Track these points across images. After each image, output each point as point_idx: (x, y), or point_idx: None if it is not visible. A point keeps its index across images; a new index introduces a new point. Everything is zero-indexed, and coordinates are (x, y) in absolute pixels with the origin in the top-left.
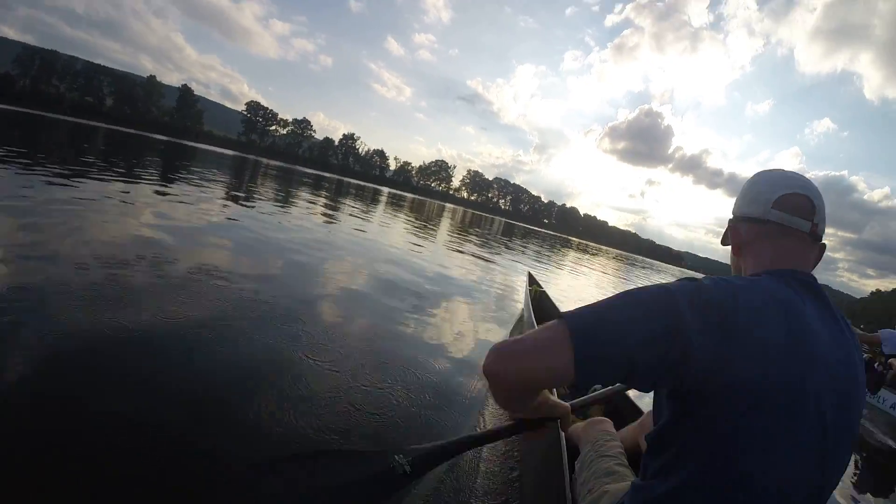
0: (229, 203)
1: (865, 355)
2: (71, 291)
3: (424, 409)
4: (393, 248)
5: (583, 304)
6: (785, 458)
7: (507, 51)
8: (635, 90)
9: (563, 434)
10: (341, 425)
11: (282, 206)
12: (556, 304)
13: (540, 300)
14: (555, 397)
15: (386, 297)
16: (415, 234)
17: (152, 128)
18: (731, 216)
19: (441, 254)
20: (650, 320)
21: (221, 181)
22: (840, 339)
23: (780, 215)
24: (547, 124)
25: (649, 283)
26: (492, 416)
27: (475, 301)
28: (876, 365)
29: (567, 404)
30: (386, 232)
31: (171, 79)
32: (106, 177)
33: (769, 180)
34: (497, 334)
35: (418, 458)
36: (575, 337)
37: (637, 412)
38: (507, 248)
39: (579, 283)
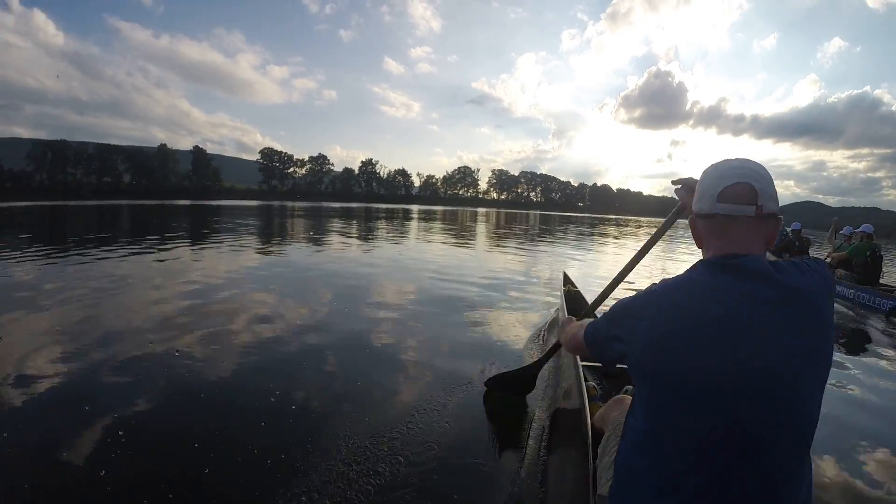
0: (265, 251)
1: None
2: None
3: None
4: (434, 263)
5: (595, 320)
6: (702, 430)
7: (505, 45)
8: (639, 54)
9: (588, 424)
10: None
11: (317, 244)
12: (589, 303)
13: (574, 300)
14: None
15: (437, 313)
16: (454, 246)
17: (172, 194)
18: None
19: (484, 259)
20: (614, 326)
21: (252, 232)
22: (767, 310)
23: (726, 207)
24: (560, 108)
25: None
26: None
27: (521, 302)
28: None
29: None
30: (424, 248)
31: (185, 143)
32: (142, 249)
33: (713, 175)
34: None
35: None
36: (586, 340)
37: None
38: (546, 240)
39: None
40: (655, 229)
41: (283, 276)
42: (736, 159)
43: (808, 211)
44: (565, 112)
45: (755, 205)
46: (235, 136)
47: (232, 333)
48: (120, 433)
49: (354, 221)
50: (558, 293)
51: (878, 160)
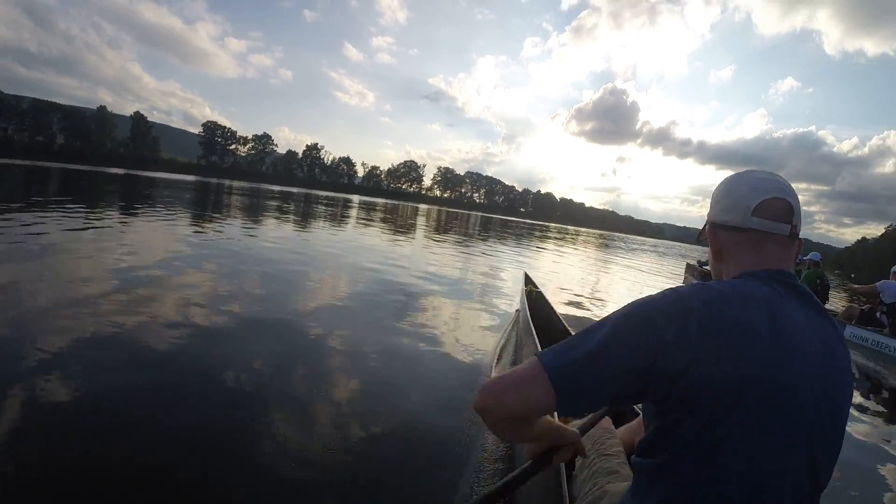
0: (194, 232)
1: (866, 306)
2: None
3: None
4: (372, 258)
5: (563, 341)
6: (772, 454)
7: (467, 44)
8: (598, 70)
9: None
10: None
11: (250, 228)
12: (552, 304)
13: (536, 300)
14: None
15: (374, 311)
16: (392, 242)
17: (107, 161)
18: (708, 221)
19: (421, 258)
20: (632, 357)
21: (182, 210)
22: (823, 332)
23: (761, 222)
24: (513, 114)
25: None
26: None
27: (463, 300)
28: (878, 314)
29: (575, 430)
30: (361, 241)
31: (132, 109)
32: (61, 221)
33: (747, 186)
34: (490, 338)
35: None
36: (553, 379)
37: (634, 412)
38: (487, 241)
39: (562, 268)
40: (599, 238)
41: (208, 263)
42: (765, 171)
43: None
44: (518, 118)
45: (791, 223)
46: (185, 107)
47: (162, 316)
48: (35, 416)
49: (292, 206)
50: (517, 294)
51: (813, 195)
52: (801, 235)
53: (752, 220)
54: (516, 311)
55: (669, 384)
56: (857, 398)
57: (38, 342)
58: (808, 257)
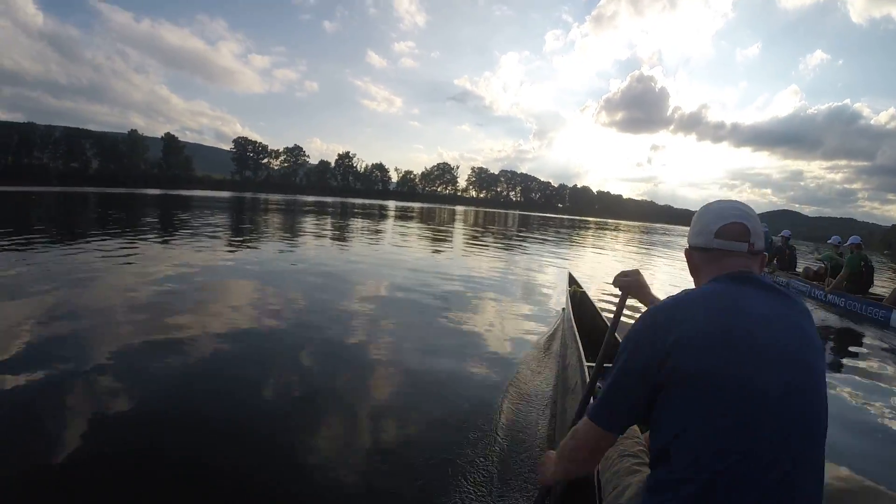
0: (232, 250)
1: None
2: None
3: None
4: (411, 268)
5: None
6: (740, 440)
7: (488, 43)
8: (622, 58)
9: None
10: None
11: (290, 242)
12: (596, 304)
13: (580, 301)
14: None
15: (417, 317)
16: (432, 249)
17: (141, 183)
18: (687, 246)
19: (462, 264)
20: (636, 384)
21: (220, 229)
22: (781, 307)
23: (722, 242)
24: (541, 108)
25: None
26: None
27: (507, 301)
28: None
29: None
30: (401, 250)
31: (164, 130)
32: (101, 247)
33: (711, 215)
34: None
35: None
36: (595, 417)
37: None
38: (527, 241)
39: (604, 264)
40: (639, 230)
41: (249, 278)
42: (728, 201)
43: (784, 219)
44: (547, 112)
45: (748, 242)
46: (215, 125)
47: (210, 329)
48: (103, 427)
49: (328, 219)
50: (563, 295)
51: (854, 172)
52: (845, 216)
53: (715, 241)
54: (562, 309)
55: (660, 374)
56: None
57: (95, 354)
58: (848, 242)
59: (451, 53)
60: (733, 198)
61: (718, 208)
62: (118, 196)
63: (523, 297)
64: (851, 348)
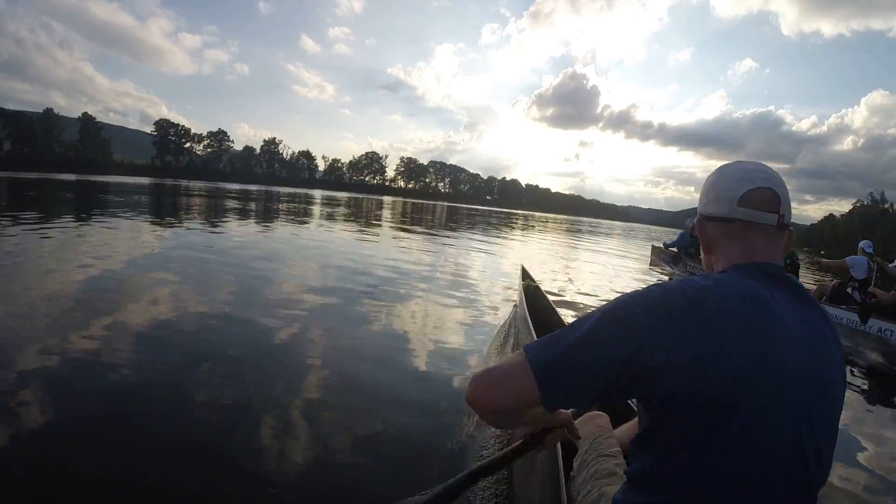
0: (151, 242)
1: (835, 282)
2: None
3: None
4: (343, 260)
5: (549, 334)
6: (760, 456)
7: (424, 32)
8: (557, 55)
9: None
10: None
11: (212, 231)
12: (549, 297)
13: (534, 294)
14: None
15: (353, 307)
16: (361, 242)
17: (56, 167)
18: (697, 214)
19: (394, 256)
20: (614, 349)
21: (137, 218)
22: (811, 323)
23: (747, 212)
24: (473, 101)
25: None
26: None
27: (438, 294)
28: (848, 289)
29: (568, 412)
30: (331, 241)
31: (86, 111)
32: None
33: (732, 176)
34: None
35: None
36: (536, 371)
37: (632, 411)
38: (456, 234)
39: (533, 256)
40: (567, 223)
41: (170, 270)
42: (751, 162)
43: None
44: (478, 105)
45: (778, 213)
46: (140, 106)
47: (133, 327)
48: (10, 441)
49: (253, 208)
50: (516, 289)
51: None
52: None
53: (738, 210)
54: (514, 305)
55: (654, 381)
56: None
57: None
58: None
59: (386, 42)
60: (657, 193)
61: (741, 170)
62: (28, 182)
63: (467, 291)
64: None
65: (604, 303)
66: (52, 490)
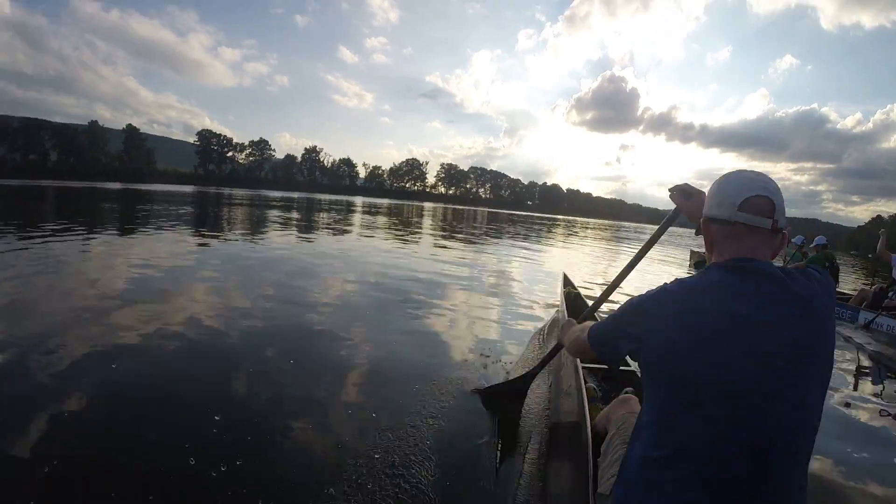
0: (196, 249)
1: (876, 286)
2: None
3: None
4: (384, 266)
5: (604, 319)
6: (717, 431)
7: (461, 40)
8: (594, 58)
9: (588, 424)
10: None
11: (254, 239)
12: (589, 303)
13: (574, 301)
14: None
15: (394, 312)
16: (404, 250)
17: (101, 176)
18: (703, 215)
19: (436, 262)
20: (627, 325)
21: (183, 225)
22: (791, 311)
23: (746, 216)
24: (512, 107)
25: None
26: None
27: (480, 299)
28: (891, 294)
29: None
30: (370, 250)
31: (131, 123)
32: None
33: (734, 184)
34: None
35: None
36: (591, 341)
37: None
38: (499, 241)
39: (575, 263)
40: (609, 229)
41: (214, 280)
42: (753, 171)
43: None
44: (517, 111)
45: (772, 218)
46: (183, 118)
47: (174, 327)
48: (57, 430)
49: (294, 215)
50: (558, 295)
51: (819, 174)
52: (809, 216)
53: (738, 214)
54: (556, 310)
55: (644, 350)
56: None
57: (56, 356)
58: (815, 242)
59: (423, 50)
60: None
61: (742, 178)
62: (74, 190)
63: (507, 296)
64: None
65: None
66: (90, 486)
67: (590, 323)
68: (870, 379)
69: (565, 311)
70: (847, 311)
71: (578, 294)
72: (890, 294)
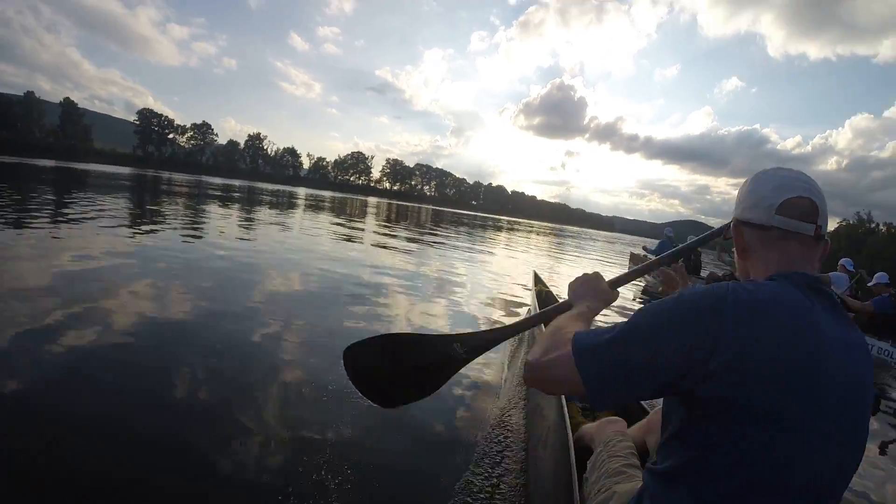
0: (129, 239)
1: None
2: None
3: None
4: (331, 265)
5: (596, 328)
6: (799, 465)
7: (414, 37)
8: (545, 65)
9: (570, 435)
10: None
11: (192, 229)
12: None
13: (545, 300)
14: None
15: (344, 312)
16: (352, 252)
17: (35, 152)
18: (733, 218)
19: (382, 260)
20: (666, 344)
21: (114, 212)
22: (849, 340)
23: (785, 221)
24: (461, 107)
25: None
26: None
27: (433, 298)
28: None
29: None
30: (315, 247)
31: (73, 97)
32: None
33: (772, 183)
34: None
35: (470, 345)
36: (582, 373)
37: (643, 411)
38: (447, 239)
39: (520, 260)
40: (552, 231)
41: (153, 268)
42: (790, 169)
43: (691, 229)
44: (466, 111)
45: (815, 224)
46: (126, 95)
47: (112, 324)
48: None
49: (236, 205)
50: (528, 294)
51: None
52: None
53: (776, 218)
54: (527, 310)
55: (701, 378)
56: None
57: None
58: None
59: (376, 43)
60: (641, 205)
61: (781, 177)
62: (4, 166)
63: (474, 296)
64: None
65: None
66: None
67: (571, 330)
68: None
69: (536, 311)
70: None
71: (550, 292)
72: None
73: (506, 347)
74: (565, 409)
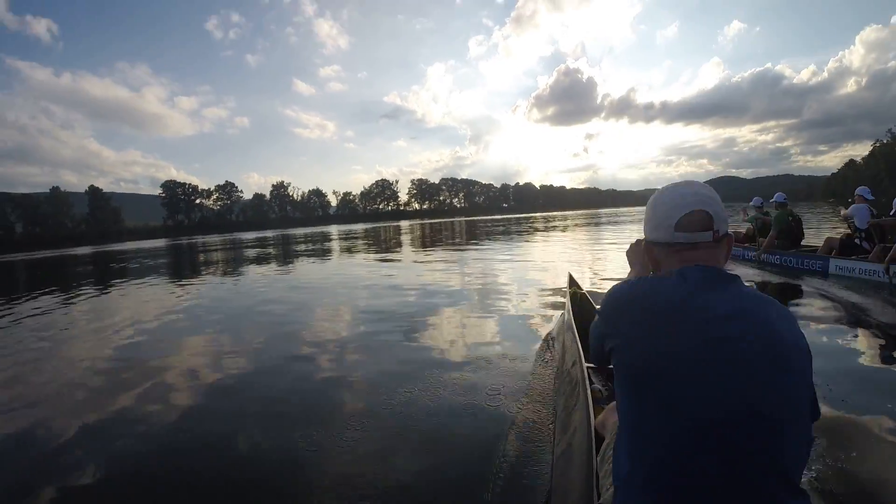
0: (176, 303)
1: (843, 234)
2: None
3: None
4: (374, 292)
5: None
6: (688, 413)
7: (413, 57)
8: (546, 54)
9: (592, 427)
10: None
11: (238, 284)
12: (595, 305)
13: (580, 302)
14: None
15: (390, 334)
16: (387, 271)
17: (69, 242)
18: (644, 238)
19: (427, 280)
20: (598, 333)
21: (156, 281)
22: (745, 309)
23: (686, 235)
24: (474, 114)
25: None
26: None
27: (478, 310)
28: (857, 241)
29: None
30: (357, 276)
31: (98, 185)
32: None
33: (667, 205)
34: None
35: None
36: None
37: None
38: (480, 247)
39: (559, 257)
40: (585, 219)
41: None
42: (683, 184)
43: (724, 185)
44: (479, 117)
45: (712, 230)
46: (149, 172)
47: (176, 389)
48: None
49: (272, 253)
50: (563, 297)
51: (784, 131)
52: (782, 173)
53: (676, 234)
54: (562, 313)
55: (610, 355)
56: (847, 336)
57: (57, 432)
58: (773, 199)
59: (378, 72)
60: (671, 172)
61: (674, 196)
62: (39, 261)
63: (509, 304)
64: (795, 300)
65: None
66: None
67: None
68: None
69: (570, 314)
70: (817, 262)
71: (585, 294)
72: (856, 240)
73: (538, 350)
74: (590, 405)
